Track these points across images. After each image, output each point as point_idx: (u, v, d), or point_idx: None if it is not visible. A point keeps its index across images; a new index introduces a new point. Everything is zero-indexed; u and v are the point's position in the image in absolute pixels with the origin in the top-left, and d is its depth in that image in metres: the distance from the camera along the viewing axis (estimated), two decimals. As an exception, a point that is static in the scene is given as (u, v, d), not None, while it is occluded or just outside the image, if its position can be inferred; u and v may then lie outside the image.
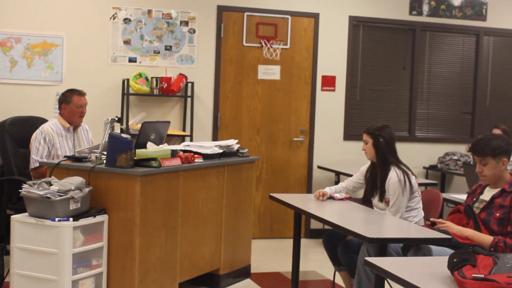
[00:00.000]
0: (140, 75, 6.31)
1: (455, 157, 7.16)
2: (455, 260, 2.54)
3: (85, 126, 5.31)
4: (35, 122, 5.58)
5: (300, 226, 4.59)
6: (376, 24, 7.20)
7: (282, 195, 4.70)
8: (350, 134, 7.13)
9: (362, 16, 7.10)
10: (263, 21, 6.79)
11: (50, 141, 4.99)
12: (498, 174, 3.66)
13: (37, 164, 4.93)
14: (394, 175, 4.31)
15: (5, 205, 5.26)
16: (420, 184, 6.35)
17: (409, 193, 4.29)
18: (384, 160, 4.38)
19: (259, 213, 6.84)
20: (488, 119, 7.50)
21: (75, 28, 6.29)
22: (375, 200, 4.46)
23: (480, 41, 7.50)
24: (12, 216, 4.02)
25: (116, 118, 4.62)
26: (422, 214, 4.37)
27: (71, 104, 5.10)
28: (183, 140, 6.37)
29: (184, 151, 4.64)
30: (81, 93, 5.18)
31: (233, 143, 5.12)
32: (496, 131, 6.21)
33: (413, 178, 4.35)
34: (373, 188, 4.45)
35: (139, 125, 5.28)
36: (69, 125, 5.11)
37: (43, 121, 5.55)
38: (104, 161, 4.16)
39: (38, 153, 4.96)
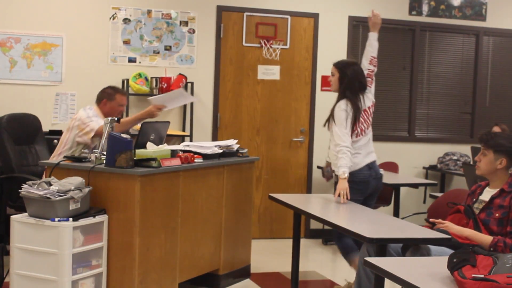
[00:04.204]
0: (139, 75, 6.31)
1: (455, 157, 7.16)
2: (455, 260, 2.54)
3: None
4: (32, 120, 5.60)
5: (300, 226, 4.59)
6: (376, 24, 7.18)
7: (281, 195, 4.71)
8: (350, 134, 7.12)
9: (362, 16, 7.09)
10: (262, 21, 6.79)
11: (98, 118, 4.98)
12: (492, 170, 3.70)
13: (102, 123, 4.81)
14: (341, 103, 4.62)
15: (5, 204, 5.25)
16: (420, 184, 6.40)
17: (350, 126, 4.57)
18: (343, 93, 4.67)
19: (259, 213, 6.84)
20: (487, 119, 7.50)
21: (75, 28, 6.29)
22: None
23: (479, 41, 7.50)
24: (12, 216, 4.02)
25: (116, 119, 4.63)
26: (363, 158, 4.63)
27: (113, 102, 5.06)
28: (183, 140, 6.37)
29: (184, 151, 4.64)
30: (123, 93, 5.18)
31: (233, 143, 5.12)
32: (496, 129, 6.21)
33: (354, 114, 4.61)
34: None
35: (139, 125, 5.28)
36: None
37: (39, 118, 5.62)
38: (104, 161, 4.16)
39: (96, 117, 4.90)
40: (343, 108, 4.61)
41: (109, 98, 5.07)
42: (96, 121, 4.91)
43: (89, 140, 4.90)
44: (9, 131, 5.31)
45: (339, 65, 4.75)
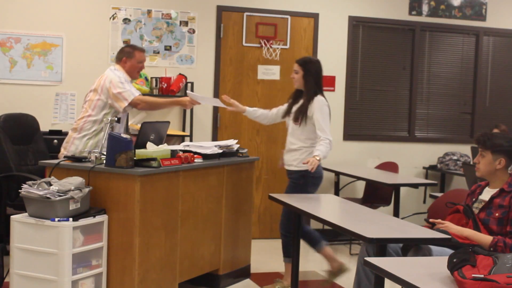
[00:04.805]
0: (139, 75, 6.30)
1: (455, 157, 7.16)
2: (455, 260, 2.54)
3: None
4: (29, 119, 5.60)
5: (300, 226, 4.59)
6: (376, 24, 7.20)
7: (281, 195, 4.70)
8: (350, 134, 7.13)
9: (362, 16, 7.11)
10: (262, 21, 6.79)
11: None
12: (491, 171, 3.70)
13: (137, 94, 4.89)
14: (321, 98, 4.88)
15: (5, 204, 5.26)
16: (420, 184, 6.40)
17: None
18: (310, 89, 4.90)
19: (259, 213, 6.84)
20: (487, 119, 7.50)
21: (75, 28, 6.29)
22: (290, 120, 4.98)
23: (479, 41, 7.50)
24: (12, 217, 4.02)
25: (116, 119, 4.63)
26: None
27: (133, 59, 5.01)
28: (183, 140, 6.37)
29: (184, 151, 4.64)
30: (142, 49, 5.13)
31: (232, 143, 5.12)
32: (496, 131, 6.22)
33: None
34: (290, 108, 4.99)
35: (139, 125, 5.28)
36: (130, 79, 5.06)
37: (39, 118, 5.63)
38: (104, 161, 4.16)
39: (131, 86, 4.93)
40: (327, 104, 4.89)
41: (128, 56, 5.01)
42: (130, 90, 4.87)
43: (121, 108, 4.85)
44: (6, 130, 5.31)
45: (302, 63, 4.98)
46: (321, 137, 4.81)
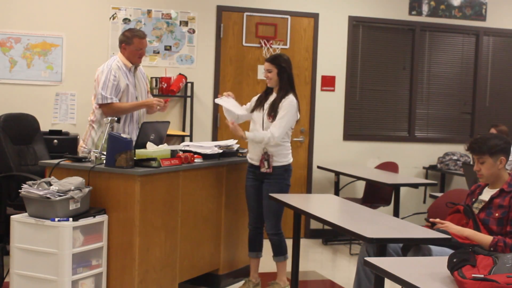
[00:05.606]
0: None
1: (455, 157, 7.16)
2: (455, 260, 2.54)
3: (141, 68, 5.23)
4: (29, 119, 5.60)
5: (300, 226, 4.59)
6: (376, 24, 7.20)
7: (281, 195, 4.70)
8: (350, 134, 7.13)
9: (362, 16, 7.11)
10: (262, 21, 6.79)
11: (118, 79, 4.92)
12: (495, 173, 3.69)
13: (109, 101, 4.84)
14: (293, 98, 4.78)
15: (5, 204, 5.26)
16: (420, 184, 6.40)
17: (295, 120, 4.80)
18: (283, 86, 4.82)
19: (259, 213, 6.83)
20: (487, 119, 7.50)
21: (75, 28, 6.29)
22: (261, 115, 4.83)
23: (479, 41, 7.50)
24: (12, 217, 4.02)
25: (116, 119, 4.63)
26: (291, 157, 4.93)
27: (131, 45, 4.97)
28: (183, 140, 6.37)
29: (184, 151, 4.64)
30: (142, 36, 5.06)
31: (232, 143, 5.12)
32: (493, 131, 6.20)
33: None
34: (260, 104, 4.89)
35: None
36: (131, 65, 5.02)
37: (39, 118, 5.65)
38: (104, 161, 4.16)
39: (108, 89, 4.86)
40: (296, 107, 4.79)
41: (127, 42, 4.98)
42: (105, 94, 4.82)
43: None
44: (6, 130, 5.31)
45: (273, 60, 4.88)
46: (269, 130, 4.70)
